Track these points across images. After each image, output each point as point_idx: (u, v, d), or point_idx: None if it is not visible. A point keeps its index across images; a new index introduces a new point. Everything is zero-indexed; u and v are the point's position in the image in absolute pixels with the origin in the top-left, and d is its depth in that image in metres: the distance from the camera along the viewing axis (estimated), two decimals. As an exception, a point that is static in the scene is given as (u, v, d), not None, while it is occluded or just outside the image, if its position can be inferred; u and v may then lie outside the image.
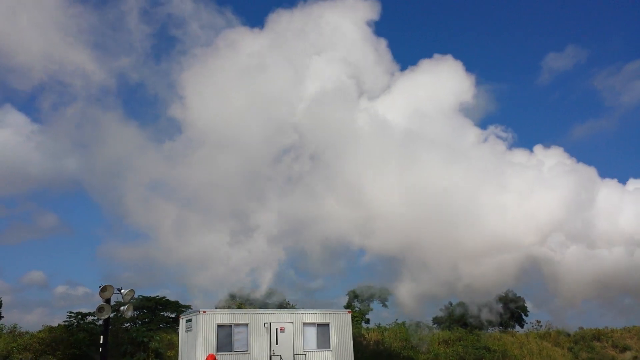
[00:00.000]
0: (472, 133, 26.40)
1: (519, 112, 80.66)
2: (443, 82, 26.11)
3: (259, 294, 29.44)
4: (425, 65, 27.07)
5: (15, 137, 51.04)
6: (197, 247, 25.89)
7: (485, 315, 34.92)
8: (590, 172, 27.12)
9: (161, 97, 29.79)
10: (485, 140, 27.08)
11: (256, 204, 25.42)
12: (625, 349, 36.33)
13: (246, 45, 25.25)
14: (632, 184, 28.47)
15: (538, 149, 28.42)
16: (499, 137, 28.26)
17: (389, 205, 23.47)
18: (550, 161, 26.65)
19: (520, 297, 39.36)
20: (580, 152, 77.24)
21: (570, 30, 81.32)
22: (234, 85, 24.13)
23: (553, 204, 24.21)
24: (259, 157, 24.63)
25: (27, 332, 28.37)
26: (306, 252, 26.70)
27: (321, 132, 24.48)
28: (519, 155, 27.56)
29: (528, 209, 23.95)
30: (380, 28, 28.01)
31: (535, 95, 79.67)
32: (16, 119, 55.75)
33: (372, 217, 23.68)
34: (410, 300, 26.11)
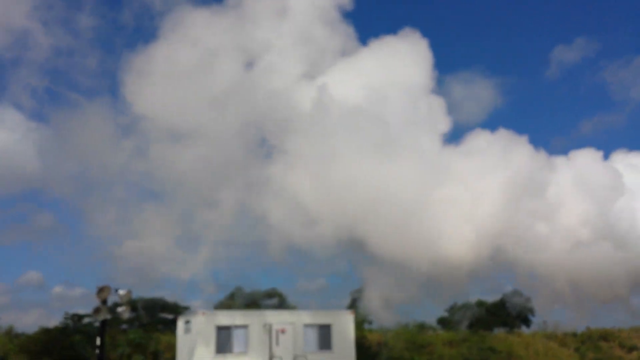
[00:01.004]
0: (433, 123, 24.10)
1: (527, 107, 79.76)
2: (404, 64, 24.08)
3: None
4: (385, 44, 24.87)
5: (11, 134, 49.87)
6: (156, 247, 25.03)
7: (462, 322, 34.59)
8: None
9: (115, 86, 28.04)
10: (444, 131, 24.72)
11: (211, 203, 24.03)
12: (632, 349, 35.66)
13: (201, 27, 23.41)
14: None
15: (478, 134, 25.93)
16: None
17: (336, 200, 21.97)
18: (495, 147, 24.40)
19: (527, 296, 38.68)
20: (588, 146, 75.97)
21: (580, 22, 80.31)
22: (184, 74, 22.41)
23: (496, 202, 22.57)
24: (216, 152, 23.17)
25: (23, 334, 27.99)
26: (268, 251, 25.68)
27: (276, 121, 23.03)
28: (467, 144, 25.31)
29: (476, 209, 22.35)
30: (350, 10, 25.59)
31: (543, 89, 78.62)
32: (12, 116, 54.64)
33: (315, 214, 22.37)
34: (377, 305, 25.22)
